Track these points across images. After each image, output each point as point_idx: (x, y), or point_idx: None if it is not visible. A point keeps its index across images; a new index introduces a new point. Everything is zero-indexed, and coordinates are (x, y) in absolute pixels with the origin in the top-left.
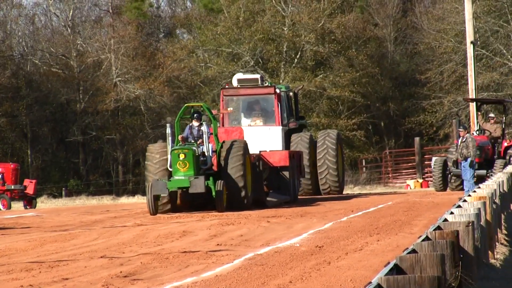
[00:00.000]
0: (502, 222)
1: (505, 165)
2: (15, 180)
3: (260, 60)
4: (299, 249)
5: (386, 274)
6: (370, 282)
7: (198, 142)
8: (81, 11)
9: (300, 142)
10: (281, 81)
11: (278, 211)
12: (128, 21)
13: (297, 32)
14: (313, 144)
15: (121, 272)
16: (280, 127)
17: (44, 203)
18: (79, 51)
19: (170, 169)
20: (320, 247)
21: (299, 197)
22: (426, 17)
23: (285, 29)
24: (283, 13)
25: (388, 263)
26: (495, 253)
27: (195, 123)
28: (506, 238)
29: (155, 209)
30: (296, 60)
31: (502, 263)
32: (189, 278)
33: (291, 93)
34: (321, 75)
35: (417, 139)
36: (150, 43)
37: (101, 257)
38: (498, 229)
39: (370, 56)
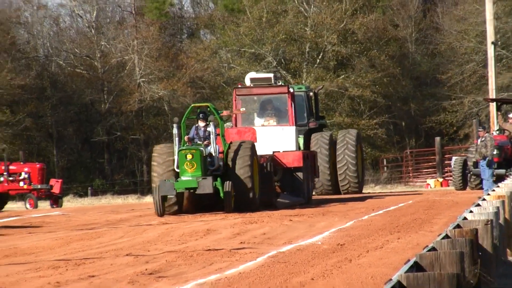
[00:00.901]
0: None
1: None
2: (42, 180)
3: (282, 60)
4: (320, 247)
5: (406, 272)
6: (391, 279)
7: (204, 143)
8: (105, 12)
9: (320, 141)
10: (303, 81)
11: (301, 211)
12: (151, 22)
13: (319, 32)
14: (333, 144)
15: (146, 269)
16: (294, 127)
17: (70, 202)
18: (103, 52)
19: (177, 170)
20: (341, 245)
21: (318, 197)
22: (448, 18)
23: (307, 29)
24: (305, 14)
25: (408, 260)
26: None
27: (201, 124)
28: None
29: (162, 210)
30: (318, 60)
31: None
32: (213, 275)
33: (311, 93)
34: (343, 75)
35: (437, 138)
36: (173, 44)
37: (127, 255)
38: None
39: (391, 57)
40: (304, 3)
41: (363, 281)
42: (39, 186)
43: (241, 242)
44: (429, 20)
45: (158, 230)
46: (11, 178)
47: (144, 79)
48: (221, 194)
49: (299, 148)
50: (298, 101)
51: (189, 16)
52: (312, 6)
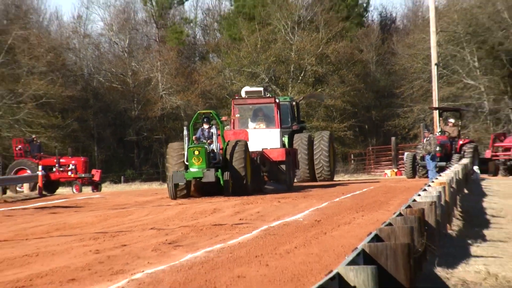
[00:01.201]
0: (458, 202)
1: (460, 158)
2: (85, 170)
3: (273, 77)
4: (302, 222)
5: (369, 242)
6: (357, 248)
7: (208, 142)
8: (135, 40)
9: (300, 140)
10: (289, 94)
11: (286, 194)
12: (171, 48)
13: (301, 56)
14: (311, 142)
15: (166, 240)
16: (279, 130)
17: (107, 188)
18: (133, 71)
19: (187, 163)
20: (318, 221)
21: (299, 183)
22: (401, 45)
23: (292, 53)
24: (291, 42)
25: (370, 233)
26: (452, 225)
27: (205, 126)
28: (460, 215)
29: (175, 195)
30: (300, 77)
31: (457, 233)
32: (218, 244)
33: (294, 103)
34: (320, 89)
35: (393, 138)
36: (188, 64)
37: (151, 228)
38: (454, 208)
39: (357, 75)
40: (290, 34)
41: (335, 249)
42: (83, 175)
43: (240, 219)
44: (387, 46)
45: (175, 209)
46: (61, 169)
47: (165, 92)
48: (221, 182)
49: (284, 146)
50: (283, 109)
51: (201, 43)
52: (296, 36)
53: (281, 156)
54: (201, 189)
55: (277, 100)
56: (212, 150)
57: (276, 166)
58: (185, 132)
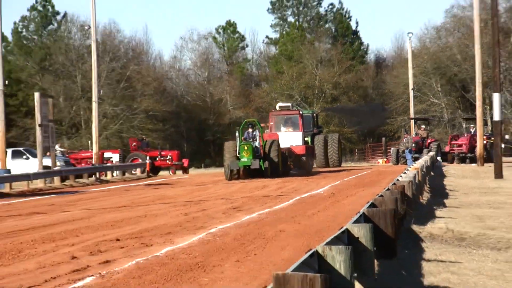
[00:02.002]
0: (427, 181)
1: (428, 152)
2: (178, 159)
3: (303, 98)
4: (322, 194)
5: (367, 208)
6: (359, 212)
7: (251, 141)
8: (212, 72)
9: (318, 140)
10: (314, 109)
11: (313, 177)
12: (235, 77)
13: (322, 83)
14: (326, 141)
15: (231, 206)
16: (301, 133)
17: (192, 171)
18: (211, 93)
19: (238, 155)
20: (333, 193)
21: (318, 169)
22: (389, 75)
23: (316, 82)
24: (315, 74)
25: (369, 202)
26: (423, 197)
27: (250, 130)
28: (429, 189)
29: (230, 177)
30: (322, 97)
31: (426, 202)
32: (266, 209)
33: (315, 114)
34: (334, 105)
35: (383, 138)
36: (247, 89)
37: (221, 198)
38: (424, 185)
39: (359, 96)
40: (315, 68)
41: (345, 212)
42: (176, 163)
43: (281, 192)
44: (379, 77)
45: (237, 186)
46: (162, 158)
47: (231, 107)
48: (263, 168)
49: (306, 143)
50: (307, 119)
51: (255, 75)
52: (319, 70)
53: (302, 151)
54: (248, 173)
55: (301, 112)
56: (256, 146)
57: (299, 157)
58: (237, 134)
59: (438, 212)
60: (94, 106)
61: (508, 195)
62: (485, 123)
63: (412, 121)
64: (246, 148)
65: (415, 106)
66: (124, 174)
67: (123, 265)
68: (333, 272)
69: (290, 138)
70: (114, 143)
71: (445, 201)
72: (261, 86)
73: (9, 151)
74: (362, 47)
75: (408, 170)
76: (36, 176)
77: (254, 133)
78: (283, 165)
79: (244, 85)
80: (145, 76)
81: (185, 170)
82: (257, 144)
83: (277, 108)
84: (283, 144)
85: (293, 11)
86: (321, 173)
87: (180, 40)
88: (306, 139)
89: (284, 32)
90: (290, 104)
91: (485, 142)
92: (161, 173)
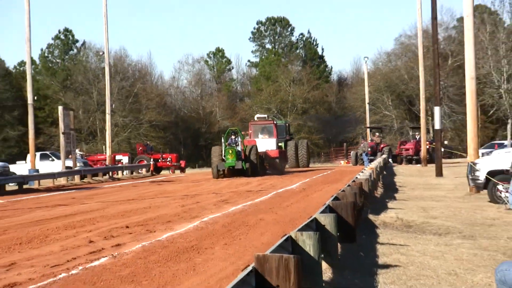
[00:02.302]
0: (380, 179)
1: (381, 155)
2: (176, 161)
3: (279, 110)
4: (295, 190)
5: (332, 200)
6: (325, 204)
7: (234, 146)
8: (204, 89)
9: (291, 145)
10: (287, 119)
11: (287, 176)
12: (223, 94)
13: (294, 98)
14: (296, 146)
15: (220, 199)
16: (275, 139)
17: (188, 171)
18: (203, 106)
19: (223, 158)
20: (304, 189)
21: (290, 169)
22: (349, 92)
23: (290, 97)
24: (288, 91)
25: (333, 196)
26: (377, 191)
27: (233, 137)
28: (382, 186)
29: (217, 175)
30: (294, 110)
31: (380, 196)
32: (249, 202)
33: (287, 124)
34: (304, 116)
35: (345, 144)
36: (233, 103)
37: (212, 193)
38: (378, 182)
39: (325, 109)
40: (289, 86)
41: (314, 204)
42: (175, 164)
43: (261, 188)
44: (341, 93)
45: (225, 183)
46: (163, 160)
47: (220, 118)
48: (244, 168)
49: (280, 148)
50: (281, 127)
51: (240, 91)
52: (292, 88)
53: (276, 154)
54: (232, 172)
55: (275, 122)
56: (238, 150)
57: (273, 160)
58: (222, 140)
59: (390, 204)
60: (108, 117)
61: (447, 190)
62: (427, 131)
63: (368, 130)
64: (230, 151)
65: (370, 117)
66: (132, 173)
67: (131, 248)
68: (304, 254)
69: (266, 144)
70: (124, 148)
71: (395, 195)
72: (245, 101)
73: (38, 154)
74: (326, 69)
75: (365, 170)
76: (59, 174)
77: (236, 139)
78: (261, 166)
79: (230, 100)
80: (149, 92)
81: (182, 170)
82: (239, 148)
83: (255, 118)
84: (260, 148)
85: (270, 39)
86: (293, 173)
87: (177, 63)
88: (280, 144)
89: (263, 56)
90: (266, 116)
91: (428, 146)
92: (163, 172)
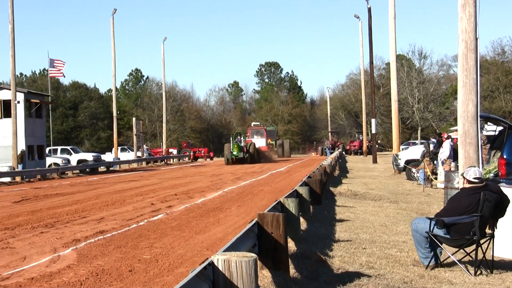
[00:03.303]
0: (337, 164)
1: (338, 150)
2: (207, 153)
3: (273, 121)
4: (283, 171)
5: (306, 178)
6: (302, 180)
7: (239, 142)
8: (226, 107)
9: (279, 143)
10: (277, 126)
11: (276, 163)
12: (238, 110)
13: (282, 113)
14: (283, 143)
15: (236, 177)
16: (264, 139)
17: (215, 159)
18: (225, 118)
19: (231, 151)
20: (288, 171)
21: (278, 159)
22: (318, 109)
23: (280, 112)
24: (279, 108)
25: (307, 175)
26: (335, 172)
27: (239, 137)
28: (338, 169)
29: (227, 163)
30: (283, 120)
31: (337, 175)
32: (253, 178)
33: (277, 129)
34: (289, 125)
35: (315, 142)
36: (244, 116)
37: (230, 173)
38: (336, 166)
39: (302, 120)
40: (279, 106)
41: (295, 181)
42: (206, 155)
43: (261, 170)
44: (313, 110)
45: (238, 167)
46: (199, 152)
47: (235, 125)
48: (245, 158)
49: (272, 145)
50: (272, 131)
51: (248, 108)
52: (281, 107)
53: (266, 149)
54: (237, 161)
55: (265, 128)
56: (241, 146)
57: (264, 153)
58: (231, 139)
59: (343, 180)
60: (164, 125)
61: (379, 172)
62: (367, 134)
63: (329, 133)
64: (236, 146)
65: (331, 125)
66: (179, 160)
67: (178, 208)
68: (289, 212)
69: (259, 142)
70: (174, 144)
71: (347, 175)
72: (251, 115)
73: (119, 148)
74: (303, 95)
75: (327, 159)
76: (133, 161)
77: (241, 138)
78: (258, 157)
79: (242, 114)
80: (191, 109)
81: (211, 159)
82: (242, 144)
83: (252, 125)
84: (256, 145)
85: (267, 75)
86: (280, 161)
87: (208, 90)
88: (272, 142)
89: (263, 86)
90: (258, 123)
91: (367, 144)
92: (199, 160)
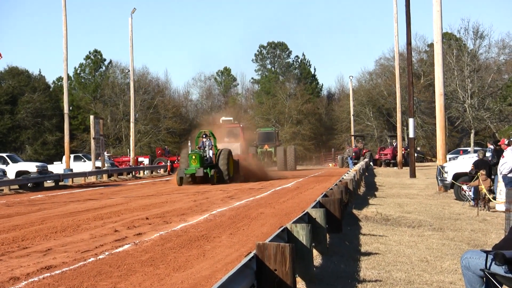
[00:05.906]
0: (363, 179)
1: (364, 159)
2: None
3: (277, 121)
4: (290, 188)
5: (322, 197)
6: (316, 200)
7: (204, 150)
8: (214, 102)
9: (280, 150)
10: (284, 128)
11: (281, 175)
12: (230, 106)
13: (290, 110)
14: (285, 150)
15: (227, 195)
16: (239, 143)
17: None
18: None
19: (187, 166)
20: (298, 187)
21: (279, 171)
22: (336, 105)
23: (286, 109)
24: (285, 104)
25: (322, 193)
26: (360, 190)
27: (204, 139)
28: (364, 185)
29: (180, 183)
30: (290, 120)
31: (362, 194)
32: (251, 197)
33: (277, 131)
34: (298, 127)
35: (333, 149)
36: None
37: (220, 190)
38: (361, 181)
39: (316, 119)
40: (285, 100)
41: (307, 200)
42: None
43: (261, 186)
44: (330, 106)
45: (233, 184)
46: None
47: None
48: (209, 175)
49: (271, 153)
50: (272, 134)
51: (244, 104)
52: (288, 101)
53: (243, 158)
54: (196, 179)
55: (241, 125)
56: (204, 156)
57: (244, 165)
58: (189, 144)
59: (371, 201)
60: (131, 125)
61: (419, 189)
62: (403, 139)
63: (353, 137)
64: (194, 157)
65: (355, 127)
66: (152, 172)
67: (151, 236)
68: (298, 242)
69: (232, 148)
70: (145, 151)
71: (376, 193)
72: (248, 112)
73: (72, 156)
74: (318, 86)
75: (350, 171)
76: (90, 173)
77: (206, 142)
78: (235, 172)
79: (236, 112)
80: (167, 104)
81: None
82: (208, 154)
83: (221, 121)
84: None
85: (270, 60)
86: (287, 175)
87: (191, 80)
88: (270, 150)
89: (264, 75)
90: (231, 119)
91: (403, 152)
92: None
